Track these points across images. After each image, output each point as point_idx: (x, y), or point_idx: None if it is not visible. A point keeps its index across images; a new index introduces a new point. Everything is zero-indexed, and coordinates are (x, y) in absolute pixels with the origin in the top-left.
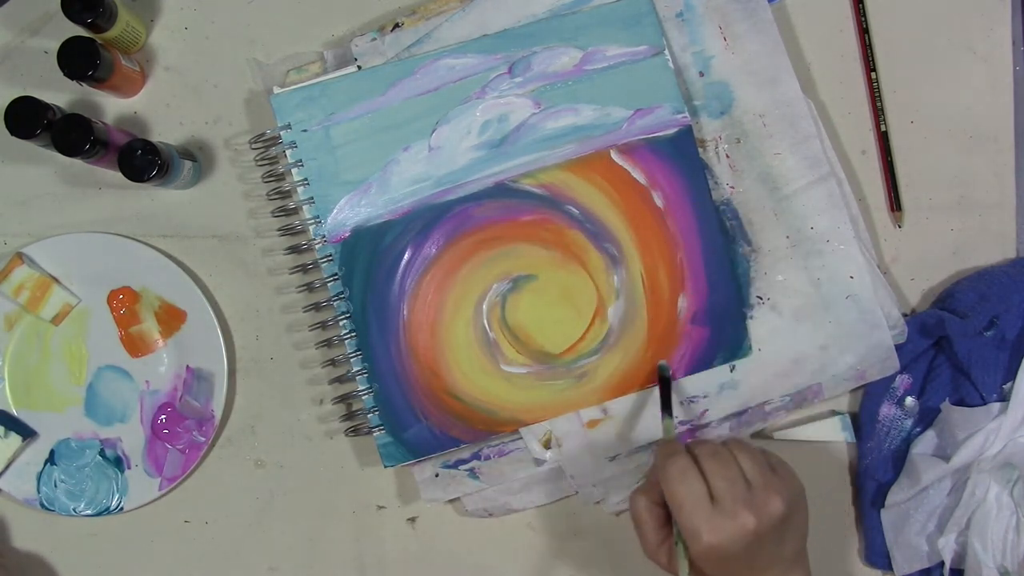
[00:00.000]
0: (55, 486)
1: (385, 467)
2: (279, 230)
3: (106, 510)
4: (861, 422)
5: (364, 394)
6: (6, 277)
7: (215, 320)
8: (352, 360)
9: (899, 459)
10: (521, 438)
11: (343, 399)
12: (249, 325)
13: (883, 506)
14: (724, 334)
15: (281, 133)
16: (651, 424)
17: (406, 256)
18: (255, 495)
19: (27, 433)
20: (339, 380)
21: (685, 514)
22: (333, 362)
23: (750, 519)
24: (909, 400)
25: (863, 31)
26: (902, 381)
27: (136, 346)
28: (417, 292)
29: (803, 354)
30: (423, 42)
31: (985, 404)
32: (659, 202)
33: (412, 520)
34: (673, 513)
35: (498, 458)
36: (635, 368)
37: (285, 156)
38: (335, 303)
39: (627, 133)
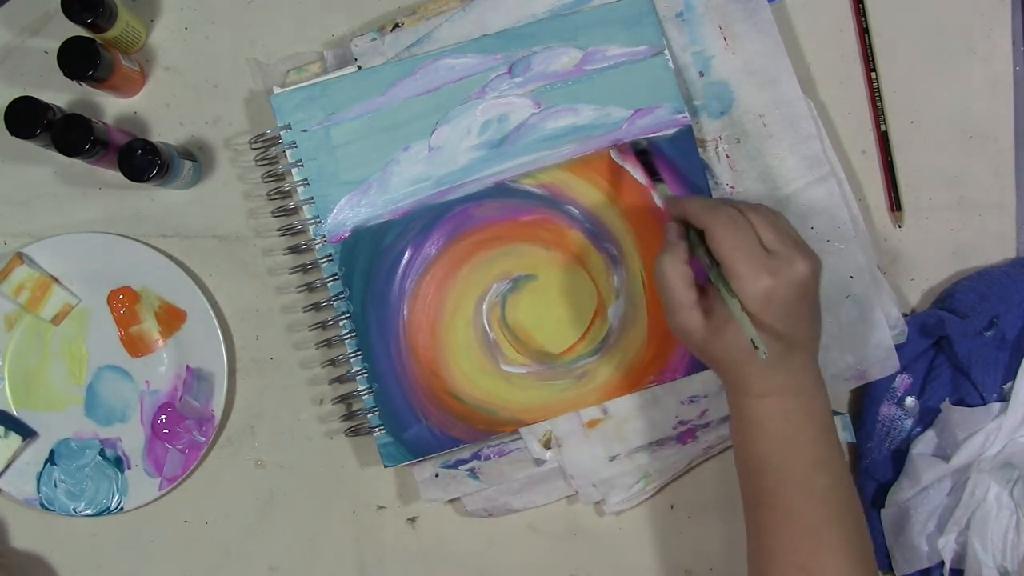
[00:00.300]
0: (55, 486)
1: (385, 467)
2: (279, 230)
3: (106, 510)
4: (861, 422)
5: (364, 394)
6: (6, 277)
7: (215, 320)
8: (352, 360)
9: (899, 459)
10: (521, 438)
11: (343, 399)
12: (249, 325)
13: (883, 506)
14: None
15: (281, 133)
16: (651, 424)
17: (406, 256)
18: (255, 495)
19: (27, 433)
20: (339, 380)
21: (742, 258)
22: (333, 362)
23: (804, 264)
24: (909, 400)
25: (863, 31)
26: (902, 381)
27: (136, 346)
28: (417, 292)
29: None
30: (423, 42)
31: (985, 404)
32: (659, 202)
33: (412, 520)
34: (727, 258)
35: (498, 458)
36: (635, 368)
37: (285, 156)
38: (335, 303)
39: (627, 133)
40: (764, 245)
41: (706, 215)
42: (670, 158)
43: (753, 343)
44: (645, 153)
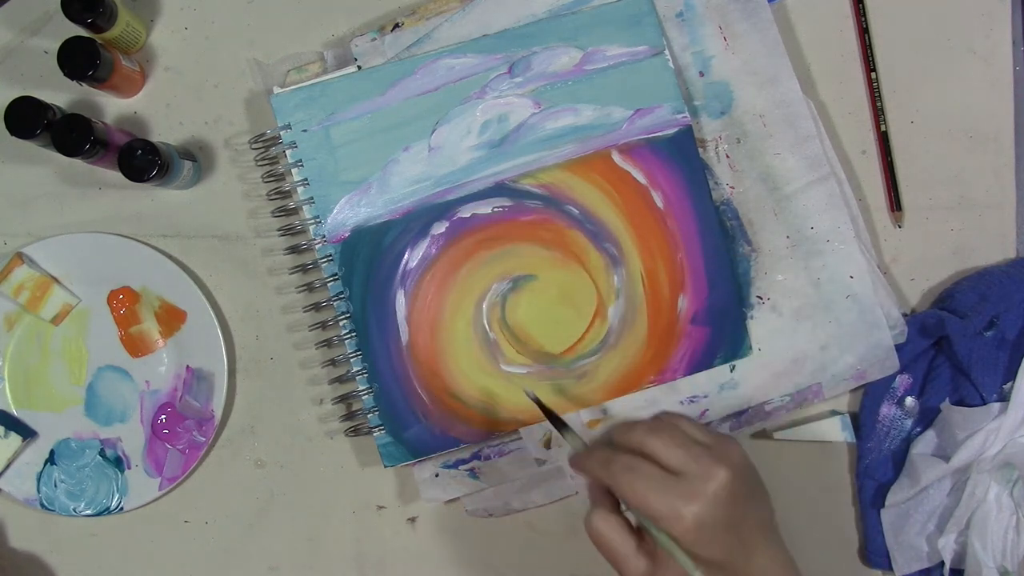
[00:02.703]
0: (55, 486)
1: (385, 467)
2: (279, 230)
3: (106, 510)
4: (861, 422)
5: (364, 394)
6: (6, 277)
7: (215, 320)
8: (352, 360)
9: (899, 459)
10: (521, 438)
11: (343, 399)
12: (249, 325)
13: (883, 506)
14: (724, 334)
15: (281, 133)
16: None
17: (406, 256)
18: (255, 495)
19: (27, 433)
20: (339, 380)
21: (654, 500)
22: (333, 362)
23: (722, 471)
24: (909, 400)
25: (863, 31)
26: (902, 381)
27: (136, 346)
28: (417, 292)
29: (803, 354)
30: (423, 42)
31: (985, 404)
32: (659, 202)
33: (412, 520)
34: (640, 507)
35: (498, 458)
36: (635, 368)
37: (285, 156)
38: (335, 303)
39: (627, 133)
40: (673, 470)
41: (603, 474)
42: (670, 158)
43: (688, 573)
44: (538, 403)
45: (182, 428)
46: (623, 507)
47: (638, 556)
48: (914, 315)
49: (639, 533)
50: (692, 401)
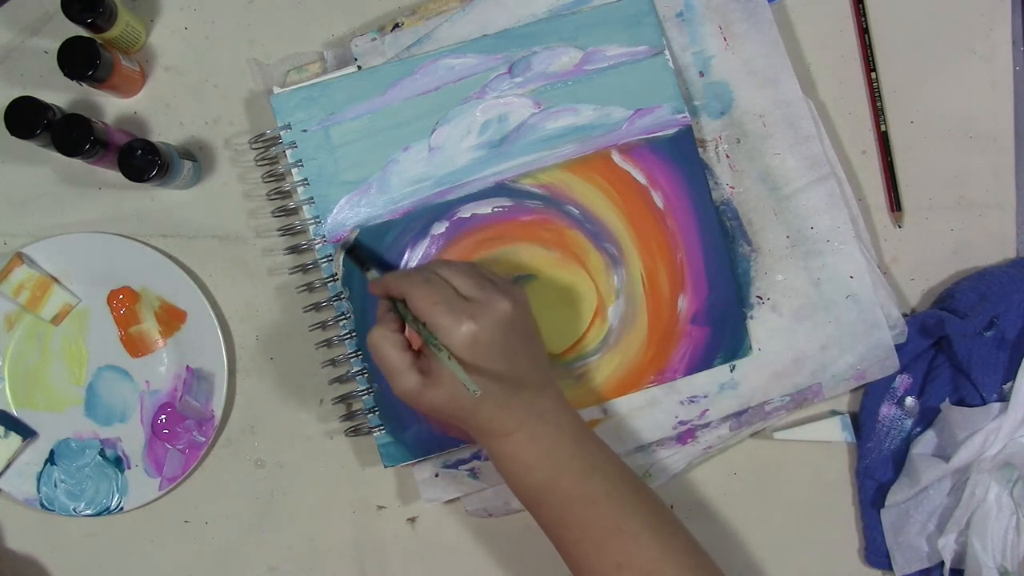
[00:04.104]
0: (55, 486)
1: (385, 467)
2: (279, 230)
3: (106, 510)
4: (861, 422)
5: (364, 394)
6: (6, 277)
7: (215, 320)
8: (352, 360)
9: (899, 459)
10: None
11: (343, 399)
12: (249, 325)
13: (883, 506)
14: (724, 334)
15: (281, 133)
16: (651, 424)
17: (406, 256)
18: (255, 495)
19: (27, 433)
20: (339, 380)
21: (443, 310)
22: (333, 362)
23: (505, 302)
24: (909, 400)
25: (863, 31)
26: (902, 381)
27: (136, 346)
28: None
29: (803, 354)
30: (423, 42)
31: (985, 404)
32: (659, 202)
33: (412, 520)
34: (427, 314)
35: None
36: (635, 368)
37: (285, 156)
38: (335, 303)
39: (627, 133)
40: (462, 294)
41: (402, 283)
42: (670, 158)
43: (465, 385)
44: (352, 250)
45: (182, 428)
46: (406, 330)
47: (411, 371)
48: (914, 315)
49: (416, 353)
50: (692, 401)
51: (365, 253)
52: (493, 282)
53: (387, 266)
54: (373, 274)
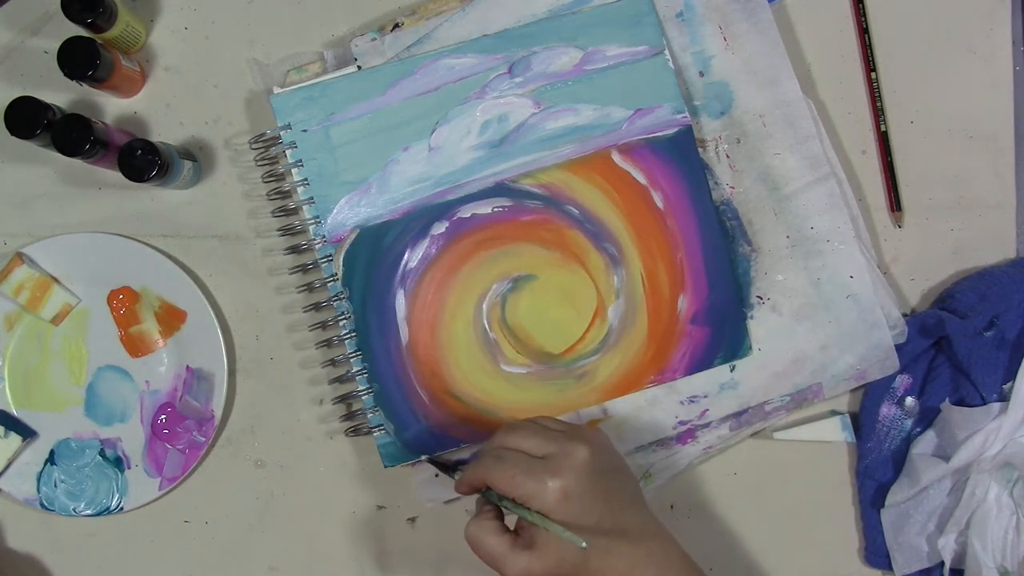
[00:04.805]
0: (55, 486)
1: (385, 467)
2: (279, 230)
3: (106, 510)
4: (861, 422)
5: (364, 394)
6: (6, 277)
7: (215, 320)
8: (352, 360)
9: (899, 459)
10: None
11: (343, 399)
12: (249, 325)
13: (883, 506)
14: (724, 334)
15: (281, 133)
16: (651, 424)
17: (406, 256)
18: (255, 495)
19: (27, 433)
20: (339, 380)
21: (522, 479)
22: (333, 362)
23: (581, 447)
24: (909, 400)
25: (863, 31)
26: (902, 381)
27: (136, 346)
28: (417, 292)
29: (803, 354)
30: (423, 42)
31: (985, 404)
32: (659, 202)
33: (412, 520)
34: (512, 489)
35: None
36: (635, 368)
37: (285, 156)
38: (335, 303)
39: (627, 133)
40: (536, 455)
41: (479, 471)
42: (670, 158)
43: (572, 542)
44: (446, 468)
45: (182, 428)
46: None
47: (514, 552)
48: (914, 315)
49: (514, 534)
50: (692, 401)
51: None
52: (563, 432)
53: (387, 266)
54: (457, 475)
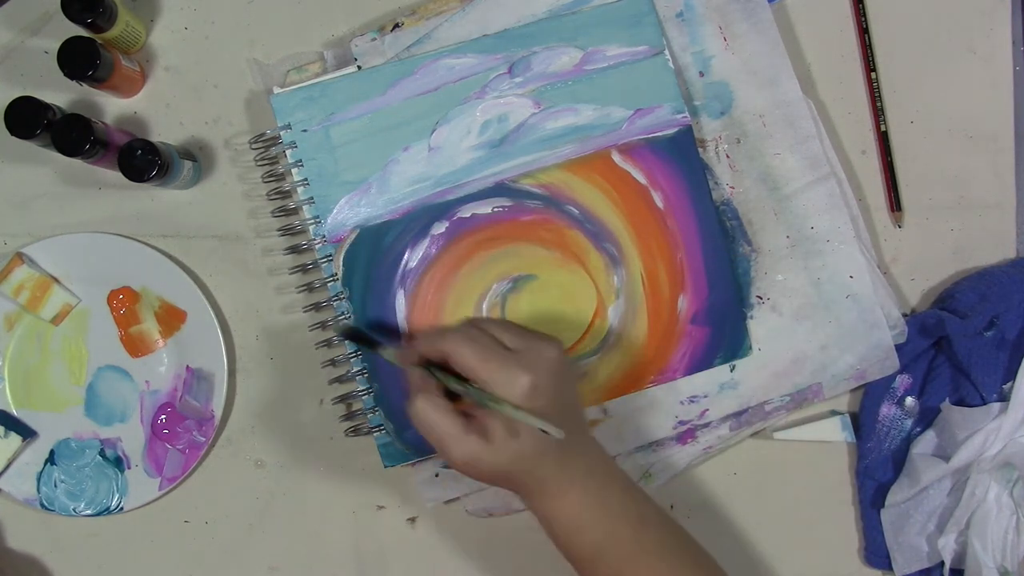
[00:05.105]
0: (55, 486)
1: (385, 467)
2: (279, 230)
3: (106, 510)
4: (861, 422)
5: (364, 394)
6: (6, 277)
7: (215, 320)
8: (352, 360)
9: (899, 459)
10: None
11: (343, 399)
12: (249, 325)
13: (883, 506)
14: (724, 334)
15: (281, 133)
16: (651, 424)
17: (406, 256)
18: (255, 495)
19: (27, 433)
20: (339, 380)
21: (496, 365)
22: (333, 362)
23: (550, 350)
24: (909, 400)
25: (863, 31)
26: (902, 381)
27: (136, 346)
28: (417, 292)
29: (803, 354)
30: (423, 42)
31: (985, 404)
32: (659, 202)
33: (412, 520)
34: (479, 372)
35: None
36: (635, 368)
37: (285, 156)
38: (335, 303)
39: (627, 133)
40: (508, 347)
41: (442, 342)
42: (670, 158)
43: (543, 431)
44: (355, 336)
45: (182, 428)
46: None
47: (467, 435)
48: (914, 315)
49: (465, 415)
50: (692, 401)
51: (365, 333)
52: (532, 333)
53: (387, 266)
54: (388, 351)
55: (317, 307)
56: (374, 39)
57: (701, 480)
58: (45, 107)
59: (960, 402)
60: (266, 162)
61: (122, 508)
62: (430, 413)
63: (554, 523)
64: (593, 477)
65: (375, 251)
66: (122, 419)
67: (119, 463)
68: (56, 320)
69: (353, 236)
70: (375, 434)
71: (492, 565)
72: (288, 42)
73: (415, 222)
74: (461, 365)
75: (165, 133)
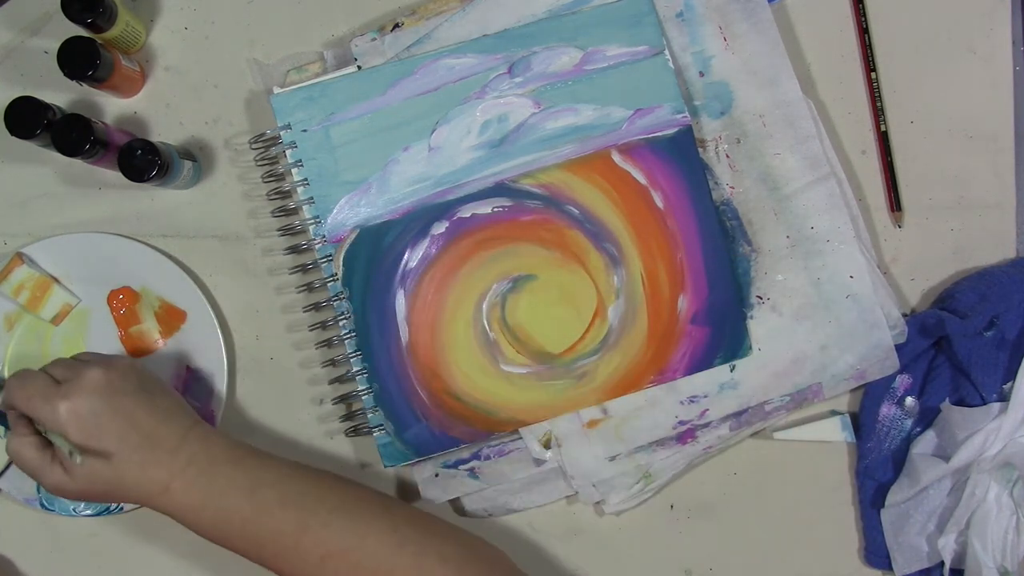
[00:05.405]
0: None
1: (385, 467)
2: (279, 230)
3: (106, 510)
4: (861, 422)
5: (364, 394)
6: (6, 277)
7: (215, 320)
8: (352, 360)
9: (899, 459)
10: (521, 438)
11: (343, 399)
12: (249, 325)
13: (883, 506)
14: (724, 334)
15: (281, 133)
16: (651, 424)
17: (406, 256)
18: None
19: None
20: (339, 380)
21: (39, 401)
22: (333, 362)
23: (94, 371)
24: (909, 400)
25: (863, 31)
26: (902, 381)
27: (136, 346)
28: (417, 292)
29: (803, 354)
30: (423, 42)
31: (985, 404)
32: (659, 202)
33: None
34: (28, 409)
35: (498, 458)
36: (635, 368)
37: (285, 156)
38: (335, 303)
39: (627, 133)
40: (57, 380)
41: (5, 392)
42: (670, 158)
43: (70, 454)
44: None
45: None
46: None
47: (52, 466)
48: (914, 315)
49: (53, 449)
50: (692, 401)
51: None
52: (84, 360)
53: (387, 266)
54: None
55: (317, 307)
56: (374, 39)
57: (701, 480)
58: (45, 107)
59: (960, 402)
60: (266, 162)
61: (122, 508)
62: (19, 450)
63: (173, 515)
64: (193, 464)
65: (375, 251)
66: None
67: None
68: (56, 320)
69: (353, 236)
70: (375, 434)
71: None
72: (288, 42)
73: (415, 222)
74: (16, 406)
75: (165, 133)
